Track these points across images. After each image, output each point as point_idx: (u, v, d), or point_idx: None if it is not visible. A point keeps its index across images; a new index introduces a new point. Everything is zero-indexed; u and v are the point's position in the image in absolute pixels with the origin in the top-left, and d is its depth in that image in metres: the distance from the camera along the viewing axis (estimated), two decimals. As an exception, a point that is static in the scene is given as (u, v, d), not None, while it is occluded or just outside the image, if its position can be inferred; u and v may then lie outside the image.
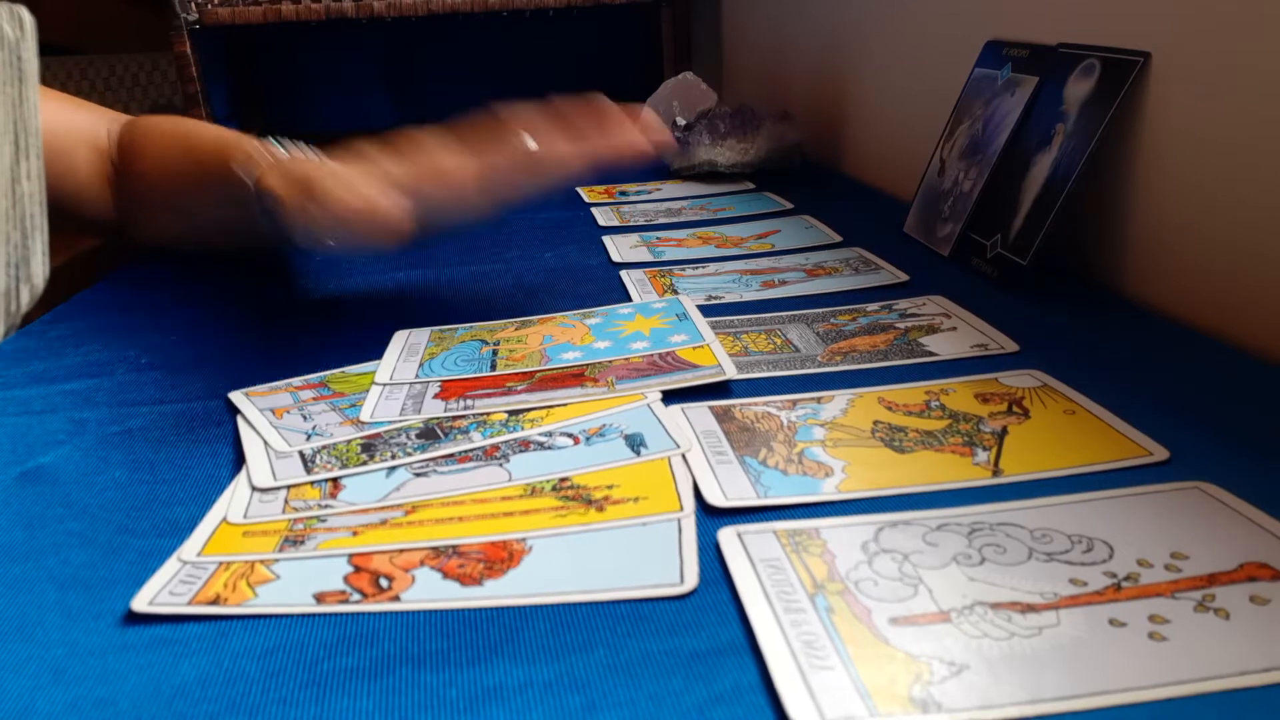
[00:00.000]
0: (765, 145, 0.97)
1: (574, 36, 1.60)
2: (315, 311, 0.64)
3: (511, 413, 0.45)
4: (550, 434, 0.43)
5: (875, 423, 0.43)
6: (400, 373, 0.51)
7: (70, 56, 1.74)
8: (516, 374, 0.50)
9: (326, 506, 0.38)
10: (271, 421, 0.46)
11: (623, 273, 0.68)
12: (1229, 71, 0.51)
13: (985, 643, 0.28)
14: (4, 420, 0.49)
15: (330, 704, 0.28)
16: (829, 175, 1.03)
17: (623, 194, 0.96)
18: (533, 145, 0.50)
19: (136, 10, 1.78)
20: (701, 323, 0.55)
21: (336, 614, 0.32)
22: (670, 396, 0.46)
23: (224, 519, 0.37)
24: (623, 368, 0.50)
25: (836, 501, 0.37)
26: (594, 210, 0.89)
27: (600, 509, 0.37)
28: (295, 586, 0.33)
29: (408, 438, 0.43)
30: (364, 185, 0.52)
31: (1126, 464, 0.38)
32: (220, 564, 0.34)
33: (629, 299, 0.62)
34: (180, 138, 0.68)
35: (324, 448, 0.43)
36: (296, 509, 0.38)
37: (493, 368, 0.51)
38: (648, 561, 0.33)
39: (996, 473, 0.38)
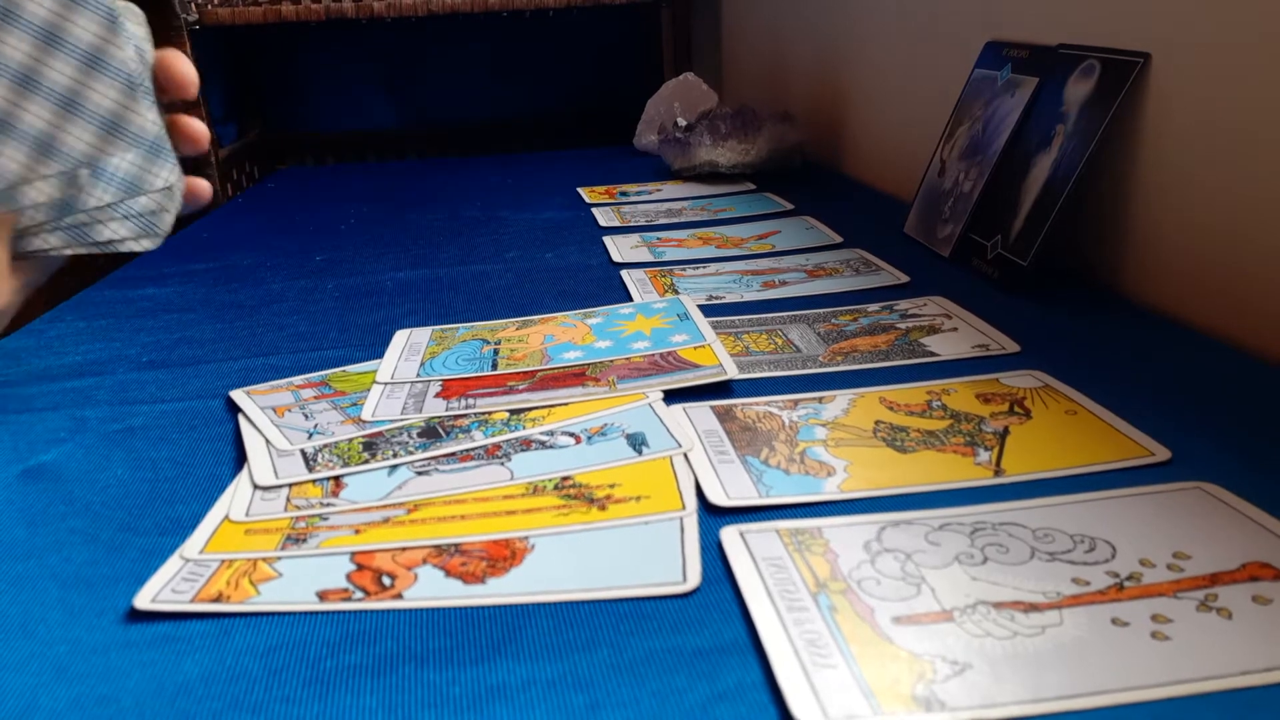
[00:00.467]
0: (766, 146, 0.98)
1: (574, 37, 1.60)
2: (316, 311, 0.64)
3: (513, 412, 0.45)
4: (552, 433, 0.43)
5: (877, 423, 0.43)
6: (401, 372, 0.51)
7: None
8: (518, 373, 0.50)
9: (329, 505, 0.38)
10: (273, 420, 0.46)
11: (623, 273, 0.68)
12: (1229, 71, 0.51)
13: (988, 642, 0.28)
14: (6, 418, 0.49)
15: (333, 701, 0.28)
16: (829, 176, 1.03)
17: (623, 194, 0.96)
18: None
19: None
20: (703, 323, 0.55)
21: (339, 612, 0.32)
22: (671, 396, 0.46)
23: (226, 517, 0.37)
24: (624, 367, 0.50)
25: (838, 501, 0.37)
26: (595, 210, 0.89)
27: (602, 508, 0.37)
28: (298, 584, 0.33)
29: (409, 436, 0.43)
30: None
31: (1128, 464, 0.38)
32: (222, 562, 0.34)
33: (630, 299, 0.62)
34: None
35: (326, 446, 0.43)
36: (299, 507, 0.38)
37: (494, 367, 0.51)
38: (650, 560, 0.33)
39: (998, 473, 0.38)
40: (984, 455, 0.40)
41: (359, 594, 0.32)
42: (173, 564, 0.34)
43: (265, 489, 0.39)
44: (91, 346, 0.59)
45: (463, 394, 0.48)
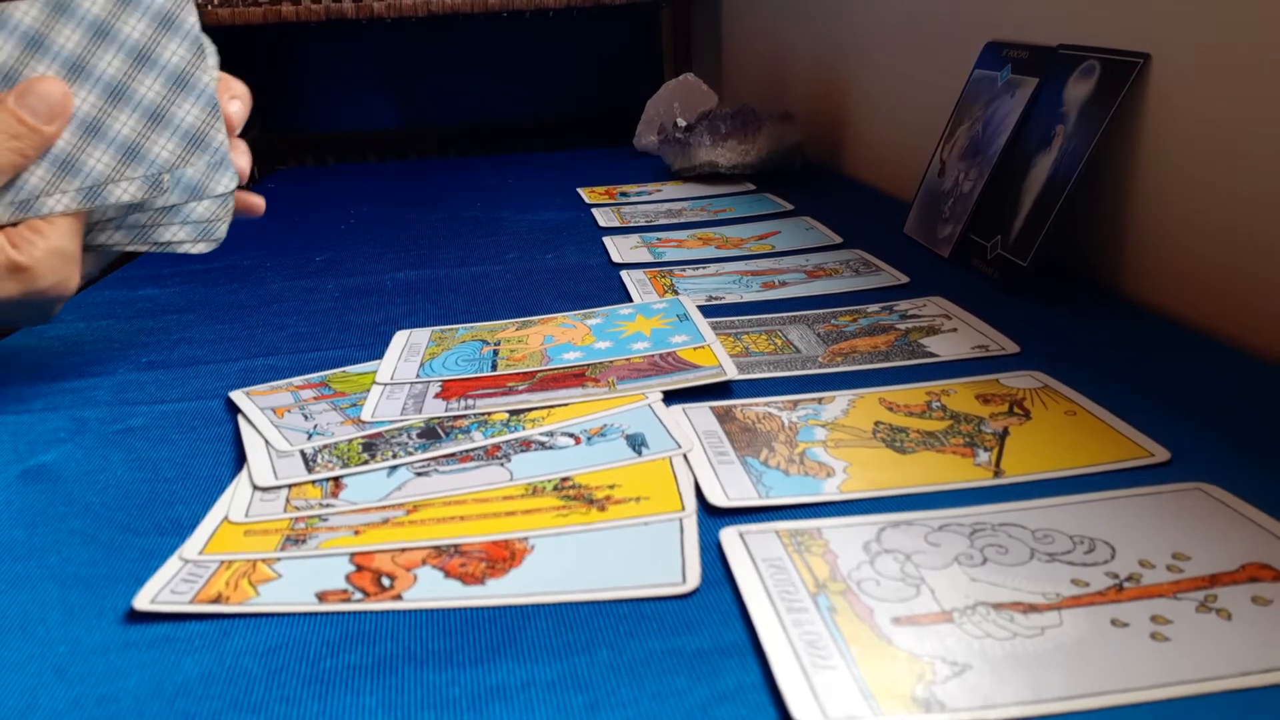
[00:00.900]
0: (766, 146, 0.98)
1: (574, 37, 1.60)
2: (315, 311, 0.64)
3: (513, 412, 0.45)
4: (551, 434, 0.43)
5: (876, 423, 0.43)
6: (401, 372, 0.51)
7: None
8: (517, 374, 0.50)
9: (328, 505, 0.38)
10: (273, 420, 0.46)
11: (623, 273, 0.68)
12: (1229, 72, 0.51)
13: (988, 643, 0.28)
14: (5, 418, 0.49)
15: (333, 702, 0.28)
16: (829, 176, 1.03)
17: (623, 195, 0.96)
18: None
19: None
20: (702, 323, 0.55)
21: (339, 613, 0.32)
22: (671, 397, 0.46)
23: (225, 518, 0.37)
24: (624, 368, 0.50)
25: (838, 502, 0.37)
26: (594, 211, 0.89)
27: (602, 508, 0.37)
28: (297, 585, 0.33)
29: (409, 437, 0.43)
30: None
31: (1127, 465, 0.38)
32: (222, 563, 0.34)
33: (629, 299, 0.62)
34: None
35: (325, 447, 0.43)
36: (298, 508, 0.38)
37: (494, 368, 0.51)
38: (650, 561, 0.33)
39: (998, 473, 0.38)
40: (983, 456, 0.40)
41: (358, 595, 0.32)
42: (172, 565, 0.34)
43: (265, 490, 0.40)
44: (91, 347, 0.59)
45: (462, 395, 0.48)
